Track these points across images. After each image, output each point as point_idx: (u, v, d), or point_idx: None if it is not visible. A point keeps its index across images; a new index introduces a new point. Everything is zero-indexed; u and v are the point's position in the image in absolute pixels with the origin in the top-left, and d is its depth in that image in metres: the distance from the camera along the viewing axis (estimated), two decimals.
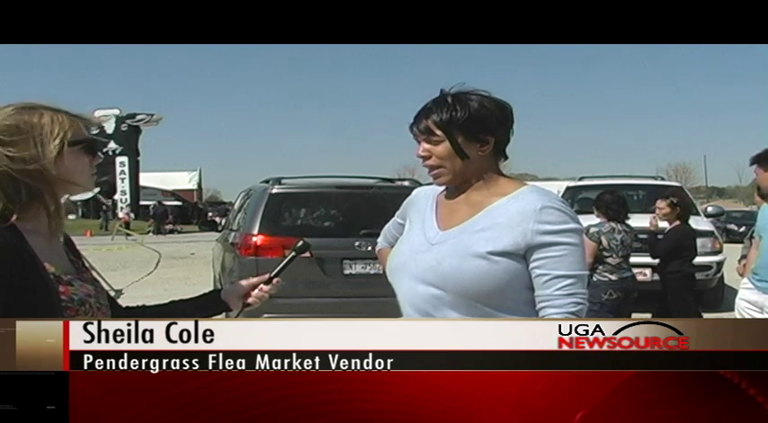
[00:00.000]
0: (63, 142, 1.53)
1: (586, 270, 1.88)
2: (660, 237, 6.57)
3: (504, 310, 1.79)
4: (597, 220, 5.71)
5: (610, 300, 5.45)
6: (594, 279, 5.47)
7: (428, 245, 1.87)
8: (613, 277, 5.49)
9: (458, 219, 1.88)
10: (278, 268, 1.99)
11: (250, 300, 1.95)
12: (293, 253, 2.03)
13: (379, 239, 2.30)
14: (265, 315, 6.47)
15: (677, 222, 6.37)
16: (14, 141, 1.49)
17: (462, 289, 1.78)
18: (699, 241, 6.94)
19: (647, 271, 7.62)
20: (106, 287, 1.78)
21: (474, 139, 1.84)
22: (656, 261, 6.68)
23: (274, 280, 1.97)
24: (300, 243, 2.04)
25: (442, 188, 1.98)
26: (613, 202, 5.66)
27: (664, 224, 6.56)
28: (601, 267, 5.50)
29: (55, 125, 1.54)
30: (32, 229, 1.51)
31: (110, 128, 38.52)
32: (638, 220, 7.56)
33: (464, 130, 1.83)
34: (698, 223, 6.84)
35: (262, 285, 1.96)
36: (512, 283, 1.78)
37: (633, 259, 5.85)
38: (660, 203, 6.46)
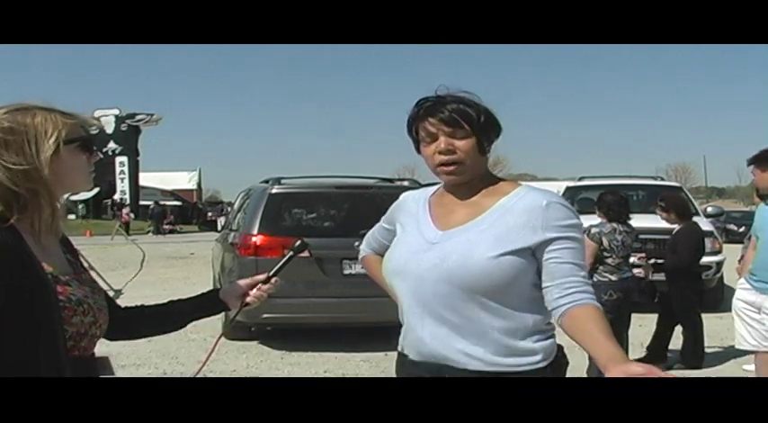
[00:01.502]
0: (58, 141, 1.52)
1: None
2: (668, 237, 6.58)
3: (511, 306, 1.81)
4: (598, 221, 5.70)
5: (610, 300, 5.44)
6: (595, 279, 5.44)
7: (428, 245, 1.88)
8: (613, 278, 5.48)
9: (457, 219, 1.89)
10: (276, 268, 2.00)
11: (248, 299, 1.95)
12: (291, 252, 2.03)
13: (362, 246, 2.30)
14: (265, 315, 6.50)
15: (684, 220, 6.36)
16: (9, 143, 1.49)
17: (468, 285, 1.79)
18: None
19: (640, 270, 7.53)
20: (105, 287, 1.77)
21: (487, 137, 1.88)
22: (661, 260, 6.65)
23: (273, 279, 1.98)
24: (298, 243, 2.04)
25: (432, 191, 2.00)
26: (615, 202, 5.66)
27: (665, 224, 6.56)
28: (601, 268, 5.49)
29: (48, 124, 1.53)
30: (31, 230, 1.51)
31: (109, 128, 38.56)
32: (638, 220, 7.56)
33: (485, 127, 1.87)
34: (698, 222, 6.83)
35: (260, 285, 1.97)
36: (519, 279, 1.80)
37: (633, 259, 5.83)
38: (657, 211, 6.51)
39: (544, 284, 1.80)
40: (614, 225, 5.56)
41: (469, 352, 1.81)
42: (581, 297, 1.77)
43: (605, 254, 5.47)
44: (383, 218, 2.18)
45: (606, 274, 5.47)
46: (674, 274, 6.30)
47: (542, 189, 1.90)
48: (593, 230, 5.51)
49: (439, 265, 1.82)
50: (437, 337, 1.84)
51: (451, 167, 1.85)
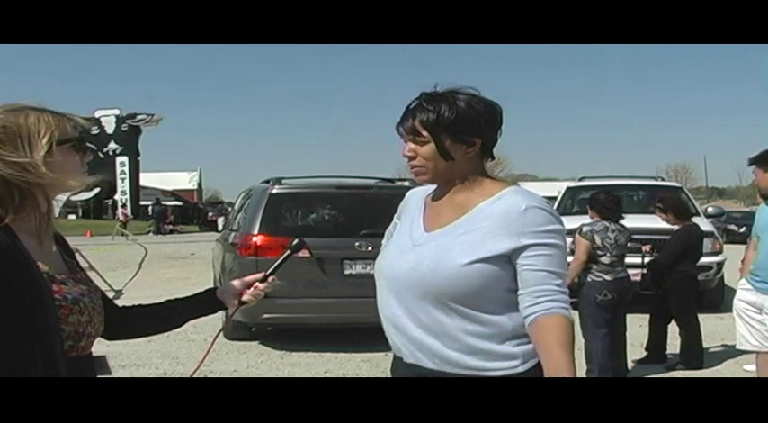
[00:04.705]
0: (51, 141, 1.53)
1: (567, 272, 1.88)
2: (667, 237, 6.58)
3: (485, 311, 1.79)
4: (590, 219, 5.67)
5: (604, 300, 5.38)
6: (589, 279, 5.41)
7: (411, 246, 1.88)
8: (608, 277, 5.42)
9: (442, 221, 1.88)
10: (273, 266, 1.99)
11: (245, 297, 1.95)
12: (289, 251, 2.03)
13: (383, 241, 2.30)
14: (265, 315, 6.50)
15: (682, 222, 6.35)
16: (2, 143, 1.50)
17: (439, 291, 1.78)
18: None
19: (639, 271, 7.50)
20: (105, 287, 1.78)
21: (460, 140, 1.83)
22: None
23: (270, 278, 1.97)
24: (296, 241, 2.04)
25: (433, 189, 1.98)
26: (608, 201, 5.61)
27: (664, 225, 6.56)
28: (595, 267, 5.42)
29: (41, 125, 1.54)
30: (25, 229, 1.52)
31: (110, 128, 38.61)
32: (638, 221, 7.53)
33: (451, 131, 1.82)
34: (698, 223, 6.82)
35: (257, 283, 1.96)
36: (488, 286, 1.77)
37: (628, 260, 5.78)
38: (657, 212, 6.50)
39: (519, 292, 1.78)
40: (606, 223, 5.51)
41: (444, 355, 1.80)
42: (550, 306, 1.74)
43: (599, 252, 5.41)
44: (396, 214, 2.18)
45: (600, 274, 5.41)
46: (658, 274, 6.33)
47: (528, 192, 1.86)
48: (585, 229, 5.46)
49: (414, 269, 1.82)
50: (414, 339, 1.83)
51: (415, 170, 1.89)
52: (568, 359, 1.71)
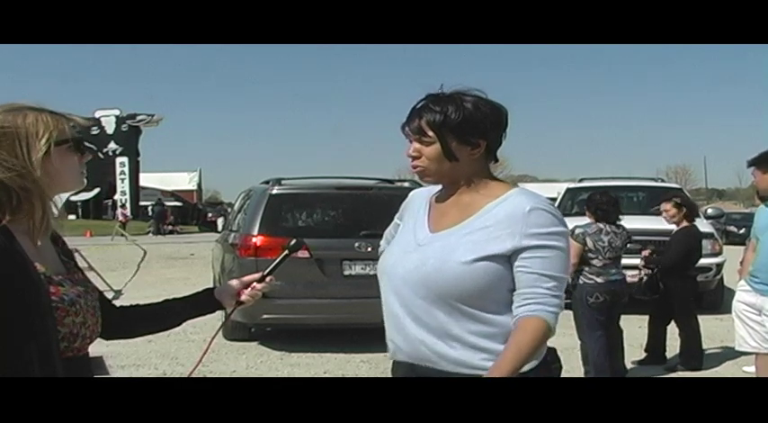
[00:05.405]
0: (49, 142, 1.53)
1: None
2: (667, 238, 6.55)
3: (489, 310, 1.80)
4: (587, 221, 5.63)
5: (596, 303, 5.34)
6: (580, 281, 5.37)
7: (415, 245, 1.89)
8: (599, 280, 5.36)
9: (447, 221, 1.89)
10: (271, 267, 1.99)
11: (243, 298, 1.95)
12: (286, 251, 2.03)
13: (382, 242, 2.31)
14: (265, 316, 6.50)
15: (684, 223, 6.33)
16: (1, 143, 1.49)
17: (443, 290, 1.79)
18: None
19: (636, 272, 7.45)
20: (105, 287, 1.77)
21: (466, 142, 1.85)
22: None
23: (267, 278, 1.97)
24: (293, 241, 2.04)
25: (437, 190, 1.99)
26: (605, 202, 5.54)
27: (671, 226, 6.52)
28: (586, 269, 5.37)
29: (40, 125, 1.53)
30: (23, 230, 1.51)
31: (110, 128, 38.61)
32: (638, 222, 7.52)
33: (457, 132, 1.84)
34: (698, 225, 6.81)
35: (255, 284, 1.96)
36: (492, 286, 1.78)
37: (625, 261, 5.73)
38: (665, 205, 6.41)
39: (514, 293, 1.80)
40: (601, 226, 5.44)
41: (446, 355, 1.81)
42: (534, 308, 1.76)
43: (590, 255, 5.36)
44: (397, 214, 2.18)
45: (592, 277, 5.35)
46: (659, 277, 6.31)
47: (533, 193, 1.87)
48: (578, 231, 5.39)
49: (419, 268, 1.83)
50: (415, 339, 1.84)
51: (418, 170, 1.90)
52: (511, 362, 1.72)
